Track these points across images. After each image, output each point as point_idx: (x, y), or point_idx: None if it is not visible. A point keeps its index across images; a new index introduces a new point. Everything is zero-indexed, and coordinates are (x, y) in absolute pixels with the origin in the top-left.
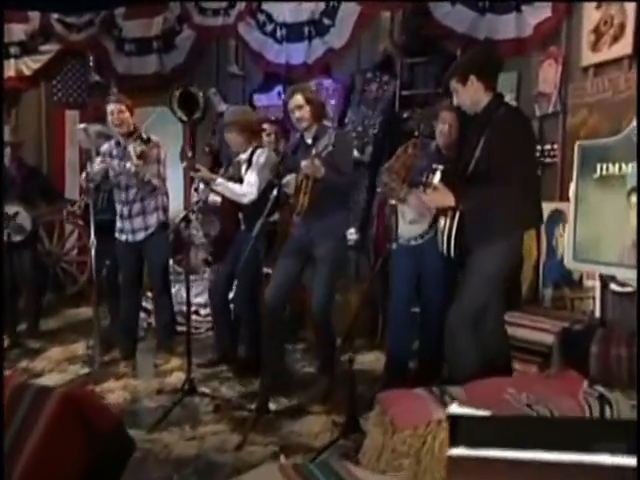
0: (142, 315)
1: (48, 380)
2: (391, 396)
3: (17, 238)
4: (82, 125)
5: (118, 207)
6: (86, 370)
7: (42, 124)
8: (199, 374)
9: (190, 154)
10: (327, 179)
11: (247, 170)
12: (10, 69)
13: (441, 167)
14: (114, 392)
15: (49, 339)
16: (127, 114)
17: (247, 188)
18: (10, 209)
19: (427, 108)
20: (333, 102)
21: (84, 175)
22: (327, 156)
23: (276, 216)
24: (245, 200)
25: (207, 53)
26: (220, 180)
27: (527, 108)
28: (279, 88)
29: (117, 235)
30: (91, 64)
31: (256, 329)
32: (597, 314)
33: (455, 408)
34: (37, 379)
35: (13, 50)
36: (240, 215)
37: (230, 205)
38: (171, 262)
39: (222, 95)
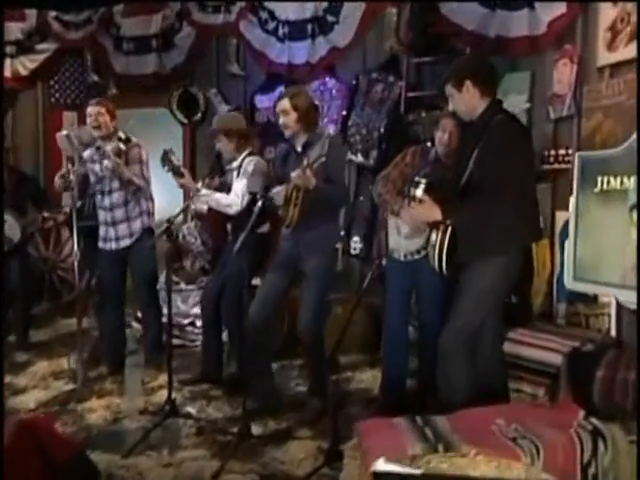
0: (136, 325)
1: (30, 397)
2: (368, 426)
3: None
4: (64, 131)
5: (101, 214)
6: (70, 387)
7: (39, 126)
8: (186, 392)
9: (176, 160)
10: (319, 190)
11: (236, 179)
12: (6, 69)
13: (424, 180)
14: (96, 411)
15: (37, 352)
16: (107, 117)
17: (233, 198)
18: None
19: (432, 112)
20: (338, 103)
21: (56, 179)
22: (319, 166)
23: (265, 227)
24: (231, 211)
25: (207, 52)
26: (204, 190)
27: (541, 110)
28: (281, 89)
29: (101, 244)
30: (89, 64)
31: (244, 345)
32: (613, 333)
33: (381, 464)
34: (19, 396)
35: (9, 49)
36: (229, 225)
37: (217, 214)
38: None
39: (223, 96)
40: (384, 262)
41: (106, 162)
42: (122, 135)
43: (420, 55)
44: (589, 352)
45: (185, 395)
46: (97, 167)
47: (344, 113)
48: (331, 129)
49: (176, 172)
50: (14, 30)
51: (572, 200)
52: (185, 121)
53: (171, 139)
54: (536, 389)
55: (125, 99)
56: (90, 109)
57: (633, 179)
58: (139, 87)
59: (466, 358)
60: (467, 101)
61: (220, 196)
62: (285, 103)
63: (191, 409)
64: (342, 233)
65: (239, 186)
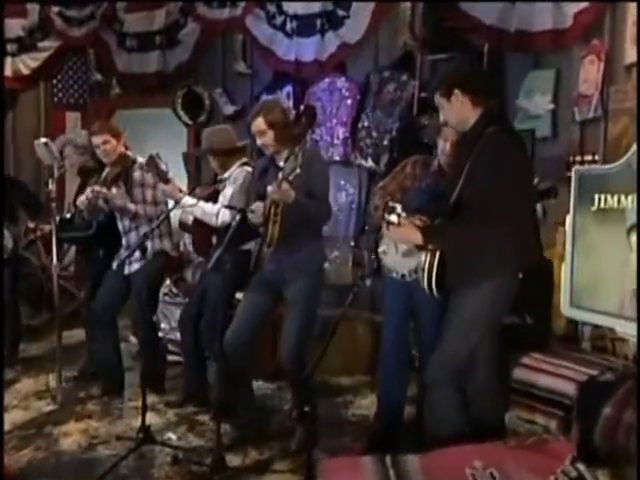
0: (133, 340)
1: (7, 419)
2: (331, 466)
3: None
4: (42, 139)
5: (122, 238)
6: (51, 407)
7: (41, 127)
8: (172, 415)
9: (163, 165)
10: (299, 206)
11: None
12: (7, 68)
13: (399, 205)
14: (71, 436)
15: (26, 368)
16: (113, 142)
17: (218, 208)
18: None
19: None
20: (348, 103)
21: (79, 202)
22: (298, 179)
23: (252, 245)
24: (217, 222)
25: (212, 50)
26: (189, 199)
27: (566, 112)
28: (289, 88)
29: (114, 264)
30: (92, 62)
31: (223, 370)
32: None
33: None
34: None
35: (10, 47)
36: (214, 238)
37: (202, 226)
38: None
39: (228, 96)
40: (368, 282)
41: (82, 198)
42: (130, 155)
43: (435, 52)
44: (603, 383)
45: (170, 419)
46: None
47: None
48: (340, 132)
49: (161, 178)
50: (15, 27)
51: (568, 219)
52: (190, 122)
53: (175, 141)
54: (549, 421)
55: (128, 99)
56: (94, 140)
57: (631, 198)
58: (142, 87)
59: (454, 389)
60: (457, 111)
61: (205, 205)
62: (259, 122)
63: (172, 435)
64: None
65: (226, 197)
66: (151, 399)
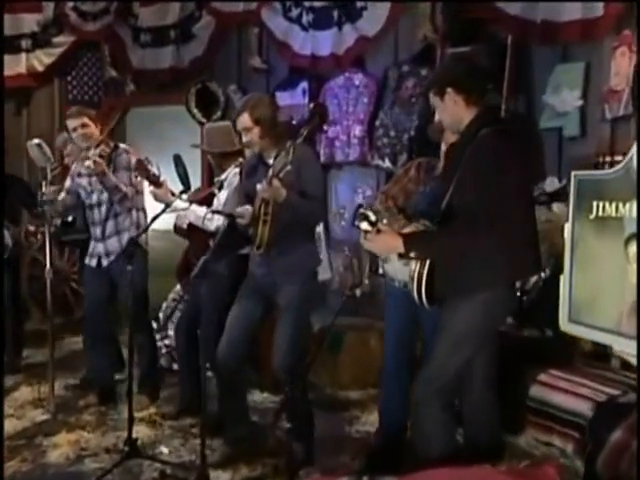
0: None
1: None
2: None
3: None
4: (35, 140)
5: (92, 229)
6: (46, 417)
7: (55, 125)
8: (167, 427)
9: (155, 168)
10: (290, 205)
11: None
12: (21, 65)
13: (371, 213)
14: (60, 447)
15: (28, 375)
16: (92, 127)
17: (206, 213)
18: None
19: None
20: (365, 100)
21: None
22: (289, 177)
23: (248, 249)
24: (211, 226)
25: (227, 44)
26: (180, 203)
27: (596, 108)
28: (304, 84)
29: (87, 260)
30: (107, 58)
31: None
32: None
33: None
34: None
35: (24, 43)
36: (211, 243)
37: (198, 230)
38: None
39: (243, 92)
40: (358, 292)
41: (87, 162)
42: (111, 144)
43: (456, 44)
44: (620, 405)
45: (165, 431)
46: (84, 181)
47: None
48: (357, 130)
49: (152, 181)
50: (30, 22)
51: (567, 227)
52: (204, 120)
53: (192, 139)
54: (566, 444)
55: (143, 97)
56: (70, 122)
57: (629, 206)
58: (156, 83)
59: (440, 407)
60: (451, 111)
61: (197, 209)
62: (245, 118)
63: (164, 448)
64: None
65: (220, 199)
66: (148, 410)
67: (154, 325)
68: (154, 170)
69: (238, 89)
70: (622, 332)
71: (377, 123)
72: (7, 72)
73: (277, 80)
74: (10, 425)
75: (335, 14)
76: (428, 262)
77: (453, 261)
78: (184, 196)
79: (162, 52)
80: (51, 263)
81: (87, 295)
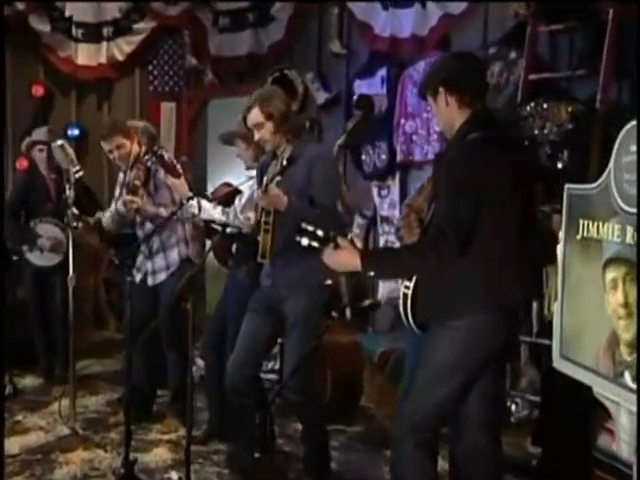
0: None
1: (23, 441)
2: None
3: (44, 262)
4: (59, 141)
5: (141, 246)
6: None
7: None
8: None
9: (167, 154)
10: (295, 213)
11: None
12: (102, 54)
13: (311, 227)
14: (71, 465)
15: (77, 387)
16: (127, 146)
17: (226, 214)
18: (42, 228)
19: (555, 102)
20: None
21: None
22: (294, 181)
23: None
24: (227, 229)
25: (307, 28)
26: (194, 202)
27: None
28: (382, 72)
29: (135, 273)
30: (187, 44)
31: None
32: None
33: None
34: (15, 437)
35: (105, 31)
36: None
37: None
38: None
39: (322, 81)
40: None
41: (119, 206)
42: (148, 159)
43: (550, 21)
44: None
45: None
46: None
47: None
48: (437, 125)
49: (169, 170)
50: (111, 9)
51: (559, 248)
52: None
53: None
54: None
55: (222, 88)
56: (104, 145)
57: (609, 226)
58: (234, 72)
59: (416, 446)
60: (443, 113)
61: (210, 207)
62: (256, 114)
63: (174, 474)
64: None
65: (240, 202)
66: (176, 433)
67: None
68: (168, 158)
69: (316, 77)
70: (599, 372)
71: None
72: (88, 63)
73: (357, 67)
74: (35, 438)
75: None
76: (412, 283)
77: (429, 284)
78: (193, 202)
79: (240, 37)
80: (74, 270)
81: (129, 311)
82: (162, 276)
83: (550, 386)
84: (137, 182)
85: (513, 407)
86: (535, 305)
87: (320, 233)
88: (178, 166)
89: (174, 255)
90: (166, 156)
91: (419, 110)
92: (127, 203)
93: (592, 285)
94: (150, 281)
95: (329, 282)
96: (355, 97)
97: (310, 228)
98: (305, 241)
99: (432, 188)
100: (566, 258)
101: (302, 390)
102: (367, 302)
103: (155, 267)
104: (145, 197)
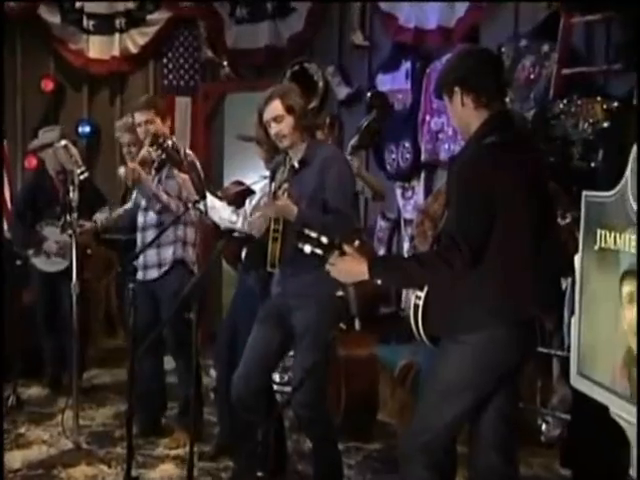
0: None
1: (25, 455)
2: None
3: (50, 268)
4: (63, 141)
5: (137, 236)
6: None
7: None
8: (198, 468)
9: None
10: (305, 222)
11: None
12: (114, 47)
13: (314, 234)
14: None
15: (84, 398)
16: (158, 123)
17: (237, 215)
18: (48, 231)
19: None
20: None
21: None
22: (306, 184)
23: None
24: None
25: (327, 19)
26: (201, 206)
27: None
28: (407, 66)
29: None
30: (203, 36)
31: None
32: None
33: None
34: (16, 451)
35: (118, 22)
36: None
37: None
38: None
39: (343, 75)
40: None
41: (121, 170)
42: (168, 142)
43: (586, 11)
44: None
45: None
46: None
47: None
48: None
49: (175, 164)
50: None
51: (577, 260)
52: None
53: None
54: None
55: (239, 82)
56: (137, 116)
57: (626, 237)
58: (251, 65)
59: (425, 467)
60: (459, 114)
61: (221, 207)
62: (276, 106)
63: None
64: None
65: (251, 204)
66: (184, 448)
67: None
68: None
69: (337, 71)
70: (617, 391)
71: None
72: (100, 55)
73: (380, 60)
74: (37, 452)
75: None
76: (424, 294)
77: (439, 295)
78: (200, 205)
79: (258, 29)
80: (78, 276)
81: (137, 313)
82: (153, 273)
83: (581, 403)
84: (147, 155)
85: (544, 426)
86: (567, 316)
87: (324, 240)
88: (185, 163)
89: (168, 253)
90: (169, 145)
91: (445, 107)
92: (129, 170)
93: (609, 299)
94: (140, 275)
95: (340, 293)
96: (368, 94)
97: (313, 234)
98: (308, 248)
99: (446, 193)
100: (584, 270)
101: (308, 404)
102: (385, 311)
103: (147, 262)
104: (153, 176)
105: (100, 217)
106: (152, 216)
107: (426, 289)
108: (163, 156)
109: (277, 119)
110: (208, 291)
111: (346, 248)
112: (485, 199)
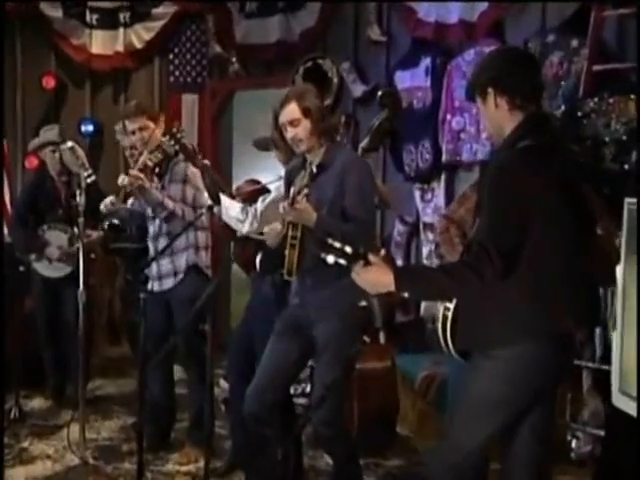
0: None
1: (29, 471)
2: None
3: (53, 273)
4: (69, 143)
5: (149, 246)
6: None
7: None
8: None
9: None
10: (325, 228)
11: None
12: (118, 42)
13: (338, 244)
14: None
15: (88, 410)
16: (151, 129)
17: (245, 214)
18: (50, 235)
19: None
20: None
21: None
22: (325, 190)
23: None
24: (243, 230)
25: (342, 14)
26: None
27: None
28: (427, 62)
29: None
30: (211, 31)
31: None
32: None
33: None
34: (20, 467)
35: (122, 17)
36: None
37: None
38: None
39: (359, 72)
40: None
41: (121, 178)
42: (183, 133)
43: (618, 4)
44: None
45: None
46: None
47: None
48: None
49: (187, 155)
50: None
51: (619, 271)
52: None
53: None
54: None
55: (249, 80)
56: (129, 125)
57: None
58: (261, 61)
59: None
60: (492, 116)
61: (230, 205)
62: (292, 109)
63: None
64: None
65: (263, 203)
66: (196, 464)
67: None
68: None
69: (352, 67)
70: None
71: None
72: (103, 51)
73: (398, 56)
74: (42, 468)
75: None
76: (453, 305)
77: (470, 308)
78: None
79: (269, 23)
80: (85, 284)
81: (147, 324)
82: (169, 283)
83: (615, 418)
84: (149, 162)
85: (574, 442)
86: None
87: (348, 249)
88: (200, 155)
89: (182, 260)
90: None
91: (468, 104)
92: (132, 179)
93: None
94: (156, 287)
95: (364, 304)
96: (379, 93)
97: (337, 244)
98: (331, 258)
99: (477, 198)
100: (626, 280)
101: (330, 421)
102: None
103: (162, 271)
104: (156, 183)
105: (106, 201)
106: (160, 222)
107: (455, 300)
108: (176, 147)
109: (293, 123)
110: (217, 298)
111: (371, 258)
112: (518, 206)
